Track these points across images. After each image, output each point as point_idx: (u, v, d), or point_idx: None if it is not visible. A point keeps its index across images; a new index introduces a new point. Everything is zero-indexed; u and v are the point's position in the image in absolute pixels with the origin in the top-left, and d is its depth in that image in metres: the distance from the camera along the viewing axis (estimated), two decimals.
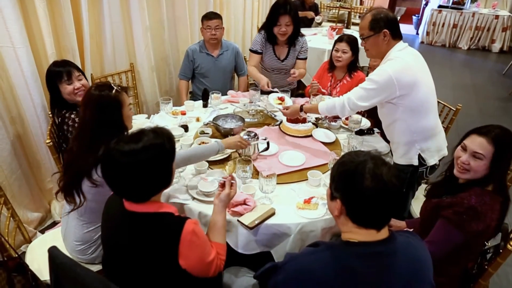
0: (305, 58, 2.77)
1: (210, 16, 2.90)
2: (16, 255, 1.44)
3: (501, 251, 1.42)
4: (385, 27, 1.80)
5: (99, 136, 1.46)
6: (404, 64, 1.77)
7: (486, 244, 1.63)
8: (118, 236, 1.20)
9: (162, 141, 1.15)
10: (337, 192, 1.03)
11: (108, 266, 1.31)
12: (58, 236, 1.75)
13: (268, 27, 2.61)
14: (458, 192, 1.43)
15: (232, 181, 1.46)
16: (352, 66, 2.73)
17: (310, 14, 5.10)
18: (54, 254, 1.19)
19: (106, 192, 1.44)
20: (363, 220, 1.00)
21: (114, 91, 1.52)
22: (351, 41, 2.66)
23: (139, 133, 1.15)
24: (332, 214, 1.08)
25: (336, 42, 2.72)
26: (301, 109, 2.15)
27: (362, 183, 0.96)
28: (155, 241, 1.14)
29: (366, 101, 1.84)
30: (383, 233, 1.01)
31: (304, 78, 4.26)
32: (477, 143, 1.38)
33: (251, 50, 2.78)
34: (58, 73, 1.98)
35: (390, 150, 2.12)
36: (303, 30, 4.78)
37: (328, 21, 6.61)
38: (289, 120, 2.30)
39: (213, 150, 1.76)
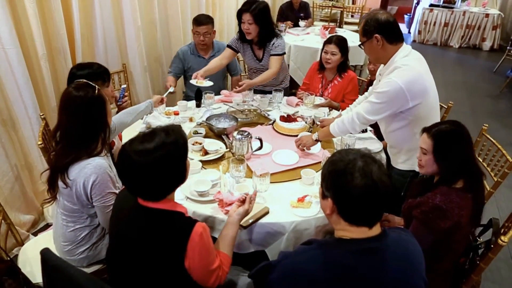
0: (277, 55, 2.60)
1: (199, 22, 2.84)
2: (8, 258, 1.42)
3: (492, 246, 1.43)
4: (376, 32, 1.72)
5: (82, 137, 1.44)
6: (414, 72, 1.69)
7: (478, 239, 1.66)
8: (129, 229, 1.21)
9: (175, 138, 1.16)
10: (328, 191, 1.03)
11: (113, 259, 1.31)
12: (51, 238, 1.73)
13: (239, 25, 2.61)
14: (428, 191, 1.46)
15: (252, 199, 1.48)
16: (342, 67, 2.70)
17: (288, 24, 4.93)
18: (46, 256, 1.18)
19: (74, 195, 1.47)
20: (354, 218, 1.00)
21: (96, 89, 1.47)
22: (340, 42, 2.63)
23: (151, 132, 1.16)
24: (324, 212, 1.08)
25: (325, 43, 2.70)
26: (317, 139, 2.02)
27: (352, 182, 0.96)
28: (165, 237, 1.15)
29: (377, 115, 1.78)
30: (375, 230, 1.02)
31: (297, 77, 4.30)
32: (422, 139, 1.50)
33: (226, 45, 2.77)
34: (103, 73, 1.87)
35: (384, 149, 2.13)
36: (295, 30, 4.84)
37: (321, 20, 6.63)
38: (282, 119, 2.30)
39: (147, 108, 2.06)
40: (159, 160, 1.11)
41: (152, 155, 1.10)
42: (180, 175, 1.21)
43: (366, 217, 1.00)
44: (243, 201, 1.46)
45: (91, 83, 1.50)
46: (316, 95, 2.69)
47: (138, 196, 1.18)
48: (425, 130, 1.49)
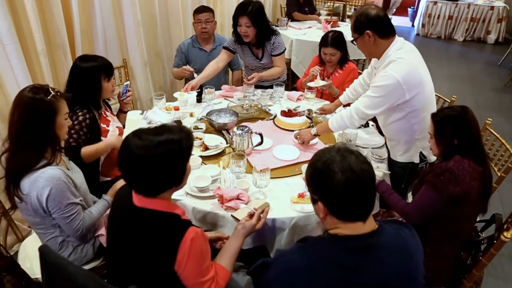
0: (279, 54, 2.64)
1: (200, 10, 2.86)
2: (8, 255, 1.42)
3: (495, 241, 1.42)
4: (367, 28, 1.73)
5: (24, 143, 1.38)
6: (408, 64, 1.70)
7: (481, 235, 1.64)
8: (123, 228, 1.19)
9: (179, 138, 1.12)
10: (315, 194, 1.03)
11: (111, 256, 1.31)
12: None
13: (234, 28, 2.57)
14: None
15: (262, 215, 1.44)
16: (343, 59, 2.71)
17: (315, 17, 5.00)
18: (45, 253, 1.17)
19: (30, 209, 1.42)
20: (347, 214, 0.99)
21: (50, 96, 1.38)
22: (336, 42, 2.61)
23: (159, 127, 1.13)
24: (319, 217, 1.07)
25: (321, 46, 2.68)
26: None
27: (333, 179, 0.96)
28: (156, 239, 1.12)
29: (375, 109, 1.78)
30: (371, 225, 1.01)
31: (298, 71, 4.27)
32: (429, 124, 1.62)
33: (223, 47, 2.73)
34: (108, 67, 1.87)
35: (385, 144, 2.11)
36: (297, 24, 4.80)
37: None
38: (283, 114, 2.29)
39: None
40: (157, 157, 1.09)
41: (152, 151, 1.07)
42: (175, 177, 1.17)
43: (357, 210, 0.99)
44: (251, 216, 1.42)
45: (51, 89, 1.41)
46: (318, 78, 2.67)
47: (132, 188, 1.16)
48: (431, 115, 1.59)
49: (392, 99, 1.73)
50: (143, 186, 1.14)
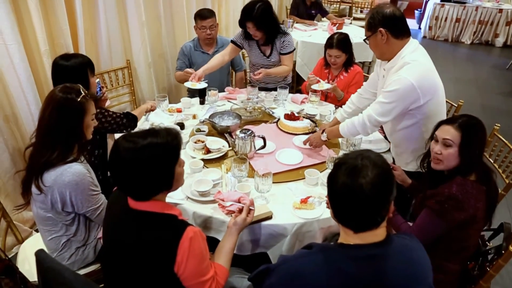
0: (288, 53, 2.61)
1: (204, 15, 2.80)
2: (6, 258, 1.41)
3: (503, 252, 1.38)
4: (381, 26, 1.67)
5: (52, 140, 1.41)
6: (424, 67, 1.64)
7: (488, 244, 1.60)
8: (119, 232, 1.18)
9: (165, 141, 1.12)
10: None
11: (106, 261, 1.29)
12: None
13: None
14: (441, 184, 1.44)
15: (251, 208, 1.43)
16: (348, 62, 2.68)
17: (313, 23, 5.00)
18: (41, 257, 1.16)
19: (48, 202, 1.45)
20: (340, 217, 0.97)
21: (81, 96, 1.44)
22: (341, 44, 2.58)
23: (147, 131, 1.14)
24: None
25: (326, 48, 2.65)
26: (323, 132, 1.97)
27: (337, 173, 0.94)
28: (154, 241, 1.11)
29: (388, 116, 1.71)
30: (379, 235, 0.97)
31: (303, 73, 4.24)
32: (445, 130, 1.45)
33: (230, 40, 2.71)
34: (91, 63, 1.88)
35: (390, 149, 2.07)
36: (302, 25, 4.77)
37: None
38: (286, 117, 2.26)
39: None
40: (142, 160, 1.08)
41: (137, 154, 1.07)
42: (164, 181, 1.15)
43: (347, 218, 0.96)
44: (240, 211, 1.41)
45: (82, 90, 1.46)
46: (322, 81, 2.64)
47: (125, 193, 1.16)
48: (447, 122, 1.47)
49: (405, 104, 1.67)
50: (133, 190, 1.13)
